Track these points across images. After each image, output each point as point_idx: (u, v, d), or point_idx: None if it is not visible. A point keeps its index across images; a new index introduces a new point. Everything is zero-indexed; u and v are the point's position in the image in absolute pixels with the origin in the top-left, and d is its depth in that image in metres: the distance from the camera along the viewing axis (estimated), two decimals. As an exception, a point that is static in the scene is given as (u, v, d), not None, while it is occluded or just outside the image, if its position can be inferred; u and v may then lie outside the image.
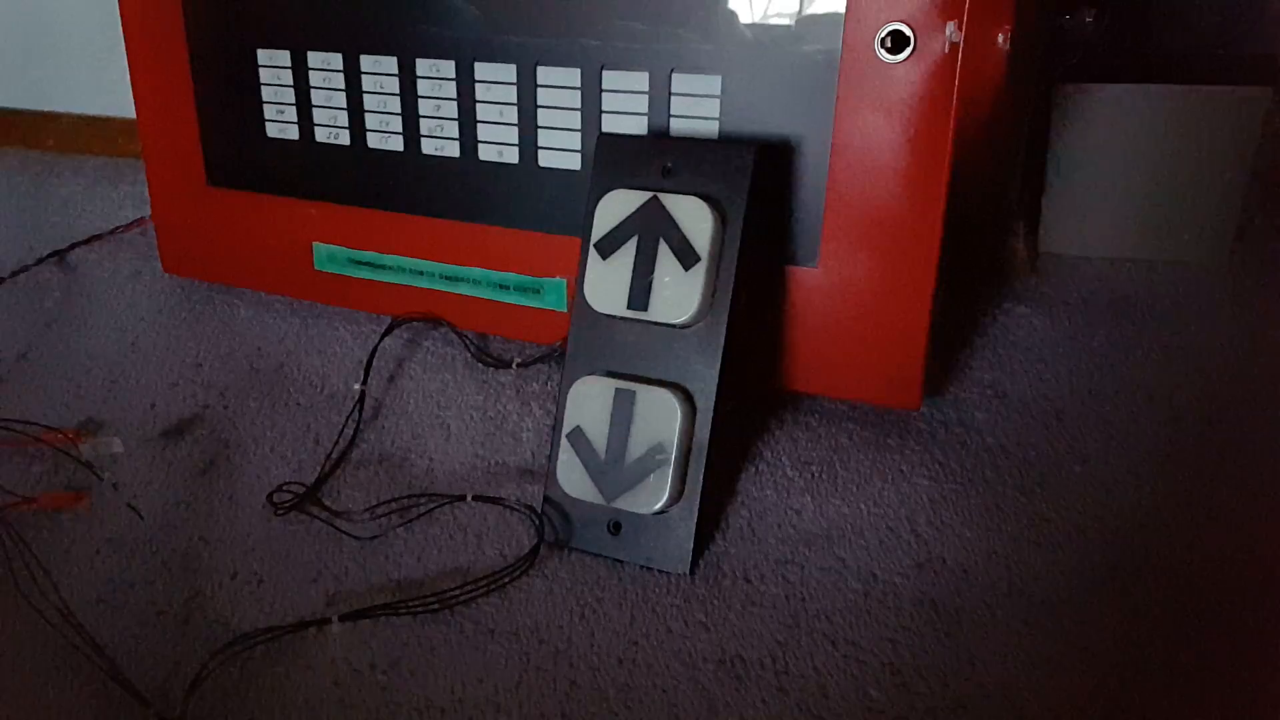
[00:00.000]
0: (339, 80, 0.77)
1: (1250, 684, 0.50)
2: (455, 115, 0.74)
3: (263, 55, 0.80)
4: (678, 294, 0.60)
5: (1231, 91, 0.82)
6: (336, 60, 0.77)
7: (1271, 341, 0.78)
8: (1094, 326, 0.81)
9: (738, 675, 0.52)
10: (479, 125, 0.74)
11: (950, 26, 0.58)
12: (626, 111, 0.68)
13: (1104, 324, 0.81)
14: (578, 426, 0.61)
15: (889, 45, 0.59)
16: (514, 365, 0.78)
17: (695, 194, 0.61)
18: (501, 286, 0.77)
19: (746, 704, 0.50)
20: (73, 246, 1.02)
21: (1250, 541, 0.59)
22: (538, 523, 0.62)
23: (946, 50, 0.58)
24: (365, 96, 0.77)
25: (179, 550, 0.61)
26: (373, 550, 0.61)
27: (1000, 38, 0.59)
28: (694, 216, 0.60)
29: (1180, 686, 0.50)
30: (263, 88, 0.81)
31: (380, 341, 0.79)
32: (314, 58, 0.78)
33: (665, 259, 0.60)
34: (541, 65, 0.70)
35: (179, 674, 0.53)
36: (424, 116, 0.75)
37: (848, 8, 0.60)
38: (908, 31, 0.59)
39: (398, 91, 0.75)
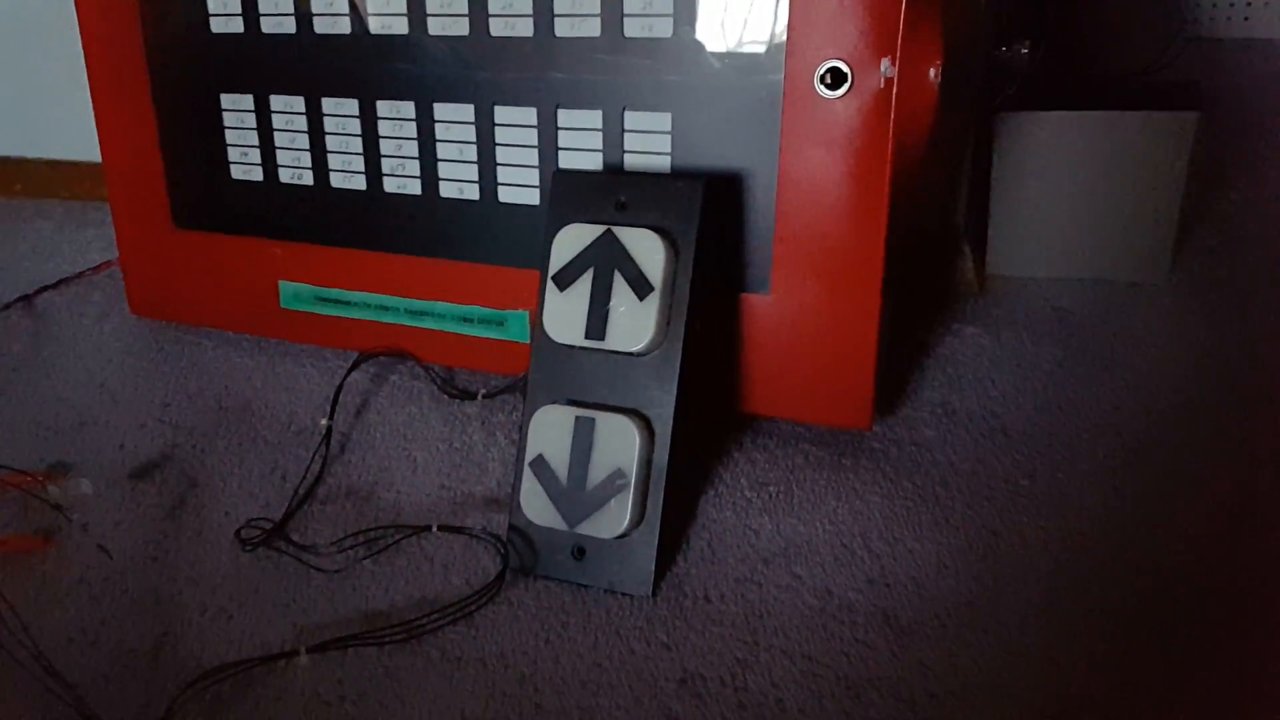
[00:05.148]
0: (301, 122, 0.79)
1: (1200, 691, 0.52)
2: (416, 154, 0.76)
3: (226, 99, 0.82)
4: (633, 323, 0.62)
5: (1162, 116, 0.86)
6: (299, 103, 0.79)
7: (1210, 356, 0.81)
8: (1039, 345, 0.83)
9: (698, 693, 0.53)
10: (439, 164, 0.76)
11: (885, 63, 0.61)
12: (582, 148, 0.70)
13: (1049, 342, 0.84)
14: (540, 455, 0.62)
15: (828, 81, 0.62)
16: (479, 396, 0.80)
17: (648, 227, 0.63)
18: (465, 320, 0.79)
19: (706, 720, 0.52)
20: (40, 290, 1.03)
21: (1193, 551, 0.61)
22: (503, 551, 0.63)
23: (882, 85, 0.61)
24: (328, 138, 0.79)
25: (148, 589, 0.62)
26: (340, 583, 0.62)
27: (932, 72, 0.62)
28: (647, 248, 0.62)
29: (1127, 695, 0.52)
30: (227, 130, 0.83)
31: (346, 377, 0.80)
32: (276, 101, 0.80)
33: (620, 290, 0.62)
34: (499, 105, 0.72)
35: (149, 711, 0.53)
36: (385, 156, 0.77)
37: (789, 47, 0.63)
38: (845, 68, 0.62)
39: (359, 132, 0.77)
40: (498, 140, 0.73)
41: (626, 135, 0.69)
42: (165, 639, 0.58)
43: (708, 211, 0.63)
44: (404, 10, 0.72)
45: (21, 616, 0.59)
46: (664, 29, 0.65)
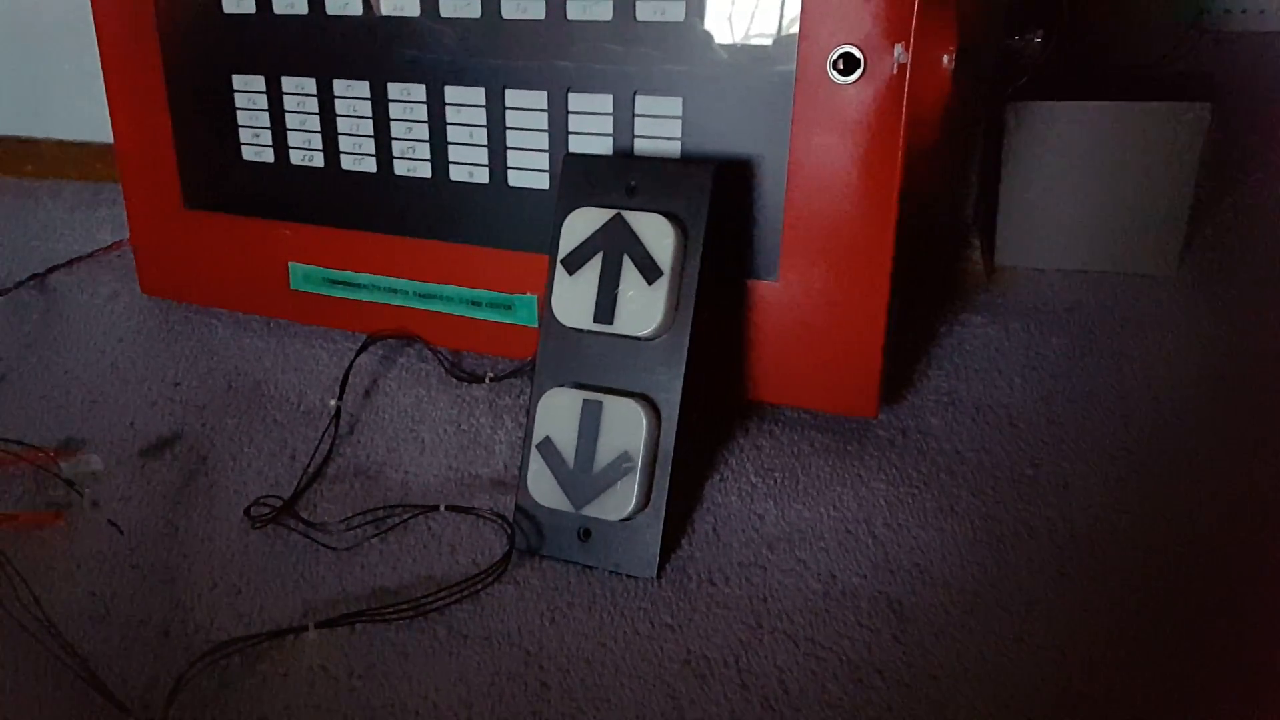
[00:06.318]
0: (313, 104, 0.80)
1: (1203, 681, 0.52)
2: (427, 137, 0.76)
3: (238, 80, 0.82)
4: (642, 307, 0.62)
5: (1175, 107, 0.86)
6: (310, 85, 0.79)
7: (1219, 349, 0.81)
8: (1047, 335, 0.84)
9: (702, 674, 0.54)
10: (450, 147, 0.76)
11: (898, 48, 0.61)
12: (592, 132, 0.70)
13: (1057, 333, 0.84)
14: (547, 437, 0.63)
15: (841, 67, 0.62)
16: (487, 380, 0.80)
17: (657, 211, 0.63)
18: (474, 303, 0.79)
19: (710, 700, 0.52)
20: (52, 270, 1.04)
21: (1199, 541, 0.61)
22: (509, 531, 0.63)
23: (895, 71, 0.61)
24: (339, 120, 0.79)
25: (159, 564, 0.63)
26: (348, 560, 0.63)
27: (946, 59, 0.62)
28: (656, 232, 0.62)
29: (1129, 684, 0.52)
30: (238, 112, 0.83)
31: (355, 358, 0.80)
32: (288, 83, 0.80)
33: (629, 274, 0.63)
34: (510, 88, 0.72)
35: (159, 683, 0.54)
36: (396, 139, 0.77)
37: (802, 32, 0.63)
38: (858, 54, 0.62)
39: (370, 115, 0.78)
40: (508, 124, 0.73)
41: (637, 120, 0.69)
42: (175, 613, 0.59)
43: (717, 197, 0.63)
44: (416, -8, 0.72)
45: (33, 590, 0.60)
46: (676, 13, 0.65)
